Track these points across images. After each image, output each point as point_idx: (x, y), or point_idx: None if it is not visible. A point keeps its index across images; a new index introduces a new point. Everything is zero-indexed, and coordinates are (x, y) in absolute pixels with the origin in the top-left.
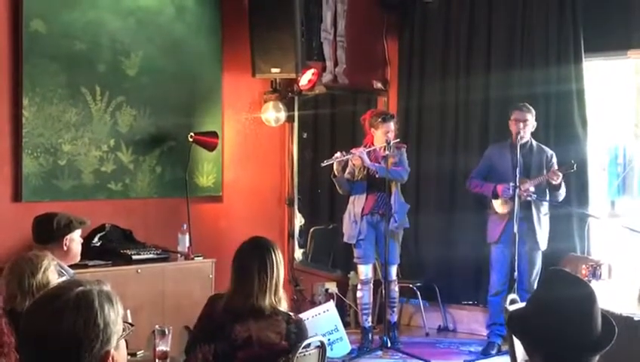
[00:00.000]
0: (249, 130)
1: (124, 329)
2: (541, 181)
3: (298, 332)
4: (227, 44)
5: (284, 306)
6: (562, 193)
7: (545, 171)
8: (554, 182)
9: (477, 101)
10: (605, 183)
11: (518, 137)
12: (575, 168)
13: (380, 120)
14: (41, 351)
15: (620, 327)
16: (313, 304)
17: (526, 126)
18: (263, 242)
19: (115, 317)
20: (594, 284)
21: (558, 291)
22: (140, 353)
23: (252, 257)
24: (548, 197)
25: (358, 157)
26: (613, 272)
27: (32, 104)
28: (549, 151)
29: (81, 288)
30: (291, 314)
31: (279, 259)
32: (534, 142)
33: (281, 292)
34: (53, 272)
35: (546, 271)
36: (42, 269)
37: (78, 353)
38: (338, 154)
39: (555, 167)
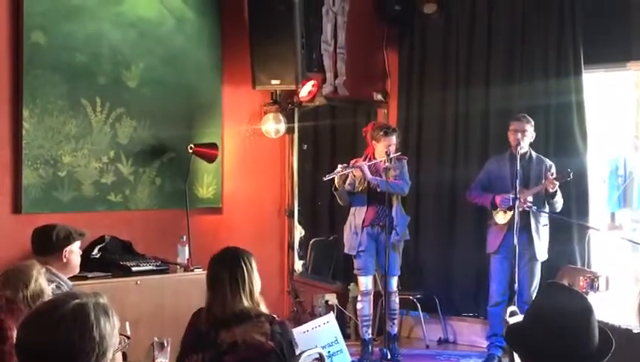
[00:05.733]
0: (249, 141)
1: (120, 342)
2: (538, 190)
3: (283, 333)
4: (227, 56)
5: (263, 309)
6: (558, 202)
7: (543, 181)
8: (550, 190)
9: (477, 113)
10: (605, 195)
11: (518, 148)
12: (571, 177)
13: (382, 133)
14: None
15: (618, 339)
16: (313, 316)
17: (525, 136)
18: (232, 251)
19: (111, 329)
20: (592, 296)
21: (555, 304)
22: None
23: (222, 266)
24: (546, 208)
25: (359, 169)
26: (611, 284)
27: (32, 115)
28: (548, 162)
29: (77, 301)
30: (274, 315)
31: (250, 268)
32: (533, 153)
33: (258, 296)
34: (43, 279)
35: (543, 283)
36: (34, 278)
37: None
38: (340, 168)
39: (555, 176)
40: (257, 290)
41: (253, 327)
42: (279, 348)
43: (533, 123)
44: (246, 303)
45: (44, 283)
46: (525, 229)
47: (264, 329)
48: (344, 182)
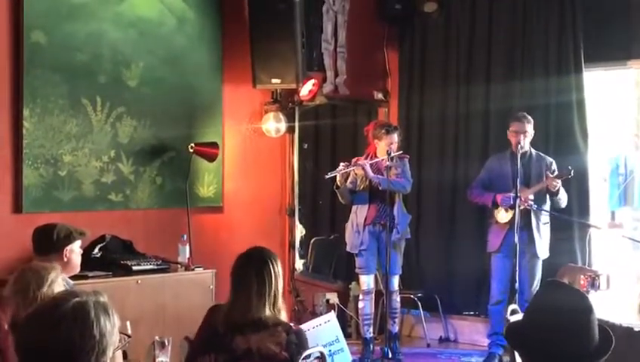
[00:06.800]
0: (249, 140)
1: (120, 340)
2: (540, 188)
3: (298, 343)
4: (228, 55)
5: (283, 316)
6: (563, 198)
7: (544, 179)
8: (552, 189)
9: (477, 111)
10: (606, 193)
11: (519, 147)
12: (572, 174)
13: (383, 131)
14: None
15: (619, 338)
16: (314, 315)
17: (526, 137)
18: (259, 253)
19: (111, 328)
20: (592, 295)
21: (555, 302)
22: None
23: (249, 269)
24: (548, 205)
25: (361, 167)
26: (612, 283)
27: (32, 115)
28: (549, 159)
29: (77, 299)
30: (292, 324)
31: (277, 270)
32: (534, 151)
33: (280, 303)
34: (59, 285)
35: (543, 281)
36: (48, 282)
37: None
38: (341, 165)
39: (555, 173)
40: (280, 296)
41: (270, 337)
42: (292, 359)
43: (532, 122)
44: (268, 311)
45: (58, 289)
46: (526, 227)
47: (280, 339)
48: (346, 180)
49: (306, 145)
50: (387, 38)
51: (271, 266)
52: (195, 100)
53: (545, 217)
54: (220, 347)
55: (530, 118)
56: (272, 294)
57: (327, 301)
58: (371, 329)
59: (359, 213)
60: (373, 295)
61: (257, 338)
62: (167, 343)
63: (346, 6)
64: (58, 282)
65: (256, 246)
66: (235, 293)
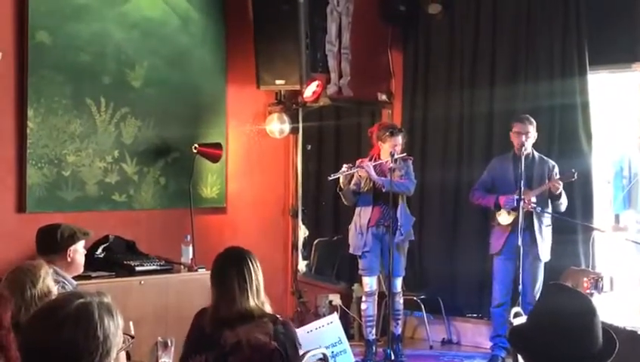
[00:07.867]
0: (253, 141)
1: (124, 341)
2: (542, 191)
3: (286, 333)
4: (232, 56)
5: (268, 309)
6: (564, 202)
7: (546, 181)
8: (555, 192)
9: (481, 113)
10: (610, 196)
11: (522, 149)
12: (576, 177)
13: (387, 133)
14: None
15: (623, 341)
16: (317, 316)
17: (528, 138)
18: (236, 252)
19: (115, 329)
20: (596, 297)
21: (558, 304)
22: None
23: (229, 265)
24: (550, 208)
25: (364, 169)
26: (616, 285)
27: (36, 115)
28: (551, 162)
29: (80, 300)
30: (278, 316)
31: (256, 265)
32: (536, 154)
33: (263, 296)
34: (51, 279)
35: (547, 284)
36: (41, 278)
37: None
38: (345, 167)
39: (558, 176)
40: (262, 289)
41: (257, 328)
42: (283, 348)
43: (535, 124)
44: (252, 302)
45: (51, 283)
46: (528, 230)
47: (267, 329)
48: (349, 182)
49: (309, 147)
50: (391, 39)
51: (249, 262)
52: (199, 101)
53: (547, 219)
54: (208, 345)
55: (532, 119)
56: (254, 286)
57: (330, 302)
58: (374, 331)
59: (363, 215)
60: (376, 296)
61: (245, 330)
62: (170, 343)
63: (350, 7)
64: (49, 276)
65: (232, 246)
66: (219, 292)
